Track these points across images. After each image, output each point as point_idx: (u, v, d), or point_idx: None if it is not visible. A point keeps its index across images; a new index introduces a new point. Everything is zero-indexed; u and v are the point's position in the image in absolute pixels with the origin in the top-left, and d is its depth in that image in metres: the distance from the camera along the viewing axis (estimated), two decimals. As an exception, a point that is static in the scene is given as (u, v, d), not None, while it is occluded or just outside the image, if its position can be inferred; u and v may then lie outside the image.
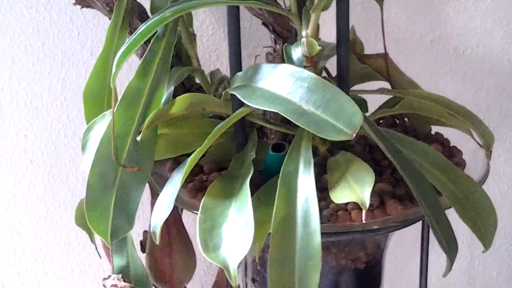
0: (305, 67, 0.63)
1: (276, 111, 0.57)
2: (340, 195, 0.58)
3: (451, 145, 0.79)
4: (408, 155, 0.64)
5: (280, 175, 0.61)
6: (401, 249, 1.21)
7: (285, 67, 0.61)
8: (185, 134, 0.72)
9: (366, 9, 1.08)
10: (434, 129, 0.83)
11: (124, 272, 0.78)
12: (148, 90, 0.68)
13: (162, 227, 0.61)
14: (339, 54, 0.65)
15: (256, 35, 1.03)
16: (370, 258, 0.75)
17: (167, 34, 0.69)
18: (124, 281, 0.72)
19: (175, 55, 0.78)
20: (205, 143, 0.63)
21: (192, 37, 0.74)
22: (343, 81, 0.66)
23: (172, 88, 0.71)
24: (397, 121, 0.85)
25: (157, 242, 0.63)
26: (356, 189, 0.58)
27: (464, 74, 1.15)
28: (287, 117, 0.56)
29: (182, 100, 0.69)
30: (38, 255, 1.12)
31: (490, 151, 0.73)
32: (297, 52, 0.62)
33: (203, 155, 0.77)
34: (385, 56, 0.76)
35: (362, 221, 0.61)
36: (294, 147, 0.63)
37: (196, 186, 0.70)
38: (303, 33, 0.61)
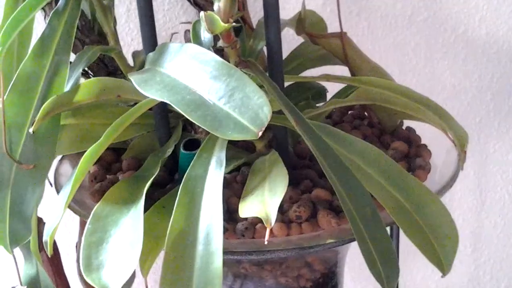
0: (218, 49, 0.54)
1: (168, 101, 0.48)
2: (246, 208, 0.49)
3: (421, 142, 0.69)
4: (344, 156, 0.54)
5: (183, 180, 0.52)
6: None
7: (190, 47, 0.52)
8: (95, 126, 0.63)
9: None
10: (410, 124, 0.73)
11: (33, 283, 0.70)
12: (47, 73, 0.60)
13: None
14: (267, 32, 0.56)
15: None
16: (318, 276, 0.66)
17: (69, 6, 0.61)
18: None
19: (98, 32, 0.69)
20: (101, 140, 0.54)
21: (107, 10, 0.64)
22: (273, 65, 0.57)
23: (80, 71, 0.62)
24: (366, 113, 0.75)
25: (49, 254, 0.55)
26: (267, 200, 0.48)
27: (464, 57, 1.03)
28: (179, 111, 0.47)
29: (90, 85, 0.60)
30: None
31: (464, 152, 0.63)
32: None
33: (124, 149, 0.68)
34: (341, 35, 0.66)
35: (283, 236, 0.52)
36: (207, 145, 0.54)
37: (103, 187, 0.62)
38: (215, 5, 0.52)
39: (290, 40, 0.82)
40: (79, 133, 0.63)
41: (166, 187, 0.62)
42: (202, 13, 0.48)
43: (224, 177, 0.62)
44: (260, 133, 0.45)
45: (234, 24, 0.51)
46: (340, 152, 0.55)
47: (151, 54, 0.57)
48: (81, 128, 0.63)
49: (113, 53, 0.65)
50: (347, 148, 0.55)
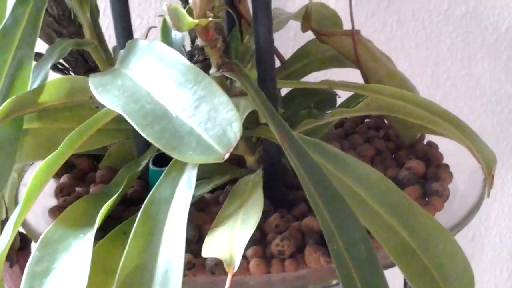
0: (198, 49, 0.47)
1: (121, 112, 0.41)
2: (210, 245, 0.43)
3: (442, 161, 0.61)
4: (339, 179, 0.46)
5: (144, 203, 0.45)
6: None
7: (156, 46, 0.45)
8: (64, 130, 0.57)
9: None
10: (432, 138, 0.65)
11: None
12: (8, 69, 0.54)
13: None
14: (256, 29, 0.48)
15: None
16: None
17: (36, -6, 0.54)
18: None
19: (80, 24, 0.63)
20: (59, 150, 0.48)
21: (83, -2, 0.58)
22: (262, 68, 0.49)
23: (49, 67, 0.56)
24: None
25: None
26: (236, 237, 0.41)
27: (507, 59, 0.94)
28: (132, 124, 0.40)
29: (58, 84, 0.54)
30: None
31: (491, 176, 0.55)
32: (179, 25, 0.46)
33: (102, 156, 0.62)
34: (352, 34, 0.58)
35: (267, 273, 0.45)
36: (177, 161, 0.47)
37: (67, 203, 0.55)
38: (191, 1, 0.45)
39: (297, 37, 0.74)
40: (45, 138, 0.57)
41: (139, 205, 0.55)
42: (164, 6, 0.41)
43: (202, 198, 0.55)
44: (227, 156, 0.38)
45: (210, 19, 0.44)
46: (334, 175, 0.47)
47: (122, 51, 0.51)
48: (48, 133, 0.57)
49: (89, 48, 0.59)
50: (343, 170, 0.47)
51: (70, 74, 0.65)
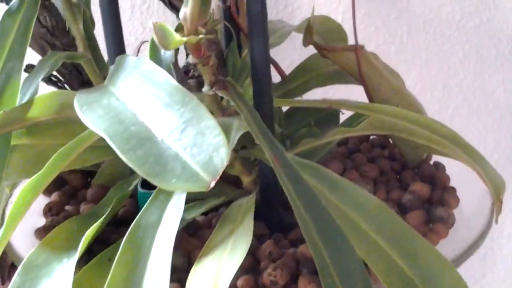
0: (191, 66, 0.45)
1: (103, 135, 0.39)
2: (196, 276, 0.40)
3: (449, 184, 0.58)
4: (334, 206, 0.44)
5: (130, 229, 0.43)
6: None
7: (144, 64, 0.43)
8: (53, 147, 0.55)
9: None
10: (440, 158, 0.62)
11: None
12: (-4, 83, 0.52)
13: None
14: (251, 47, 0.46)
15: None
16: None
17: (25, 6, 0.53)
18: None
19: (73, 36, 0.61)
20: (44, 170, 0.46)
21: (76, 9, 0.56)
22: (258, 87, 0.47)
23: (39, 81, 0.55)
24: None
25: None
26: (223, 267, 0.39)
27: (522, 73, 0.91)
28: (114, 148, 0.38)
29: (47, 99, 0.53)
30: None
31: (500, 202, 0.52)
32: (168, 42, 0.44)
33: (96, 172, 0.61)
34: (355, 49, 0.56)
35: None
36: (165, 185, 0.45)
37: (55, 223, 0.53)
38: (181, 11, 0.43)
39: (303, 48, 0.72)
40: (34, 155, 0.55)
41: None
42: (151, 23, 0.39)
43: (194, 221, 0.53)
44: (213, 184, 0.36)
45: (201, 36, 0.42)
46: (330, 201, 0.45)
47: (112, 67, 0.49)
48: (37, 150, 0.55)
49: (82, 61, 0.57)
50: (340, 196, 0.45)
51: (64, 86, 0.64)
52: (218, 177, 0.37)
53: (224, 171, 0.55)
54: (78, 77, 0.62)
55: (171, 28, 0.39)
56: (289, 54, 0.83)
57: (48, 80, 0.63)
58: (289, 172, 0.43)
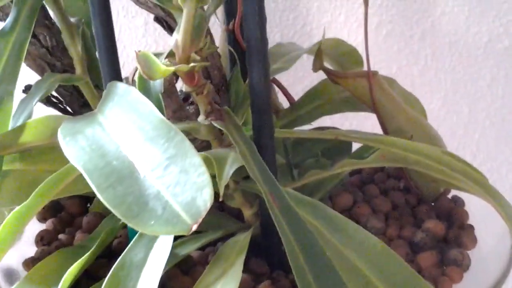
0: (185, 98, 0.43)
1: (81, 169, 0.37)
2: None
3: (467, 222, 0.55)
4: (335, 248, 0.41)
5: (113, 268, 0.41)
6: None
7: (131, 93, 0.41)
8: (48, 173, 0.53)
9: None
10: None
11: None
12: (-13, 106, 0.51)
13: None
14: (250, 75, 0.44)
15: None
16: None
17: (19, 26, 0.51)
18: None
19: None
20: (28, 202, 0.44)
21: (74, 30, 0.54)
22: (257, 117, 0.45)
23: (33, 104, 0.53)
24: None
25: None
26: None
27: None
28: (91, 185, 0.36)
29: (40, 124, 0.51)
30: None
31: (520, 242, 0.48)
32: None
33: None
34: (368, 75, 0.53)
35: None
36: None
37: (45, 253, 0.51)
38: (173, 37, 0.40)
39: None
40: (27, 181, 0.53)
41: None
42: (135, 52, 0.37)
43: (189, 258, 0.50)
44: (194, 227, 0.34)
45: (193, 65, 0.40)
46: (330, 242, 0.42)
47: (104, 93, 0.47)
48: (30, 176, 0.54)
49: (79, 84, 0.55)
50: (341, 237, 0.42)
51: (65, 108, 0.62)
52: (200, 220, 0.34)
53: (224, 203, 0.53)
54: (78, 99, 0.60)
55: (155, 58, 0.36)
56: (302, 78, 0.81)
57: (48, 101, 0.61)
58: (286, 211, 0.40)
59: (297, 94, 0.61)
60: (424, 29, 0.85)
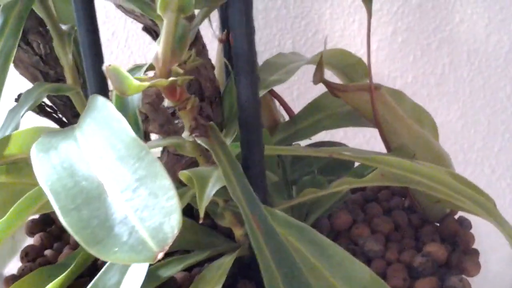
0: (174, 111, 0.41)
1: (46, 189, 0.35)
2: None
3: (472, 245, 0.52)
4: (321, 276, 0.39)
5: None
6: None
7: (107, 108, 0.39)
8: (31, 187, 0.52)
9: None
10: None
11: None
12: (-27, 117, 0.50)
13: None
14: (238, 91, 0.42)
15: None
16: None
17: (5, 35, 0.50)
18: None
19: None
20: (5, 218, 0.43)
21: (65, 38, 0.53)
22: (246, 135, 0.43)
23: (21, 114, 0.52)
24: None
25: None
26: None
27: None
28: (54, 208, 0.34)
29: (26, 136, 0.50)
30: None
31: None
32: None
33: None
34: (370, 89, 0.51)
35: None
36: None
37: (26, 271, 0.50)
38: (153, 51, 0.39)
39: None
40: (12, 195, 0.52)
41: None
42: (104, 66, 0.35)
43: (172, 280, 0.49)
44: (160, 255, 0.32)
45: (172, 79, 0.38)
46: (315, 269, 0.40)
47: (86, 106, 0.45)
48: (15, 189, 0.52)
49: (70, 94, 0.54)
50: (328, 265, 0.40)
51: (60, 117, 0.61)
52: (167, 248, 0.32)
53: (214, 222, 0.51)
54: (72, 108, 0.59)
55: (126, 73, 0.35)
56: (306, 90, 0.79)
57: (41, 111, 0.60)
58: (268, 234, 0.38)
59: (299, 108, 0.59)
60: (442, 37, 0.82)
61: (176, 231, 0.32)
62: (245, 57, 0.41)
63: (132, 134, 0.36)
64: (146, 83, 0.36)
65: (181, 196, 0.44)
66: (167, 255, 0.49)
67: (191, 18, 0.43)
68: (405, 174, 0.47)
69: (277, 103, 0.58)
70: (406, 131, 0.53)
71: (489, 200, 0.47)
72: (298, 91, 0.80)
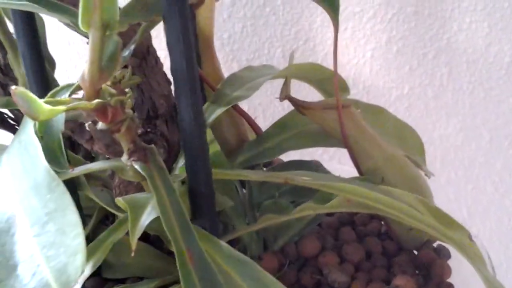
0: (110, 132, 0.39)
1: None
2: None
3: (447, 279, 0.48)
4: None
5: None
6: None
7: (25, 132, 0.37)
8: None
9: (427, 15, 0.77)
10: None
11: None
12: None
13: None
14: (180, 113, 0.39)
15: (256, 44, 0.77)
16: None
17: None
18: None
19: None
20: None
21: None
22: (190, 162, 0.40)
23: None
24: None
25: None
26: None
27: None
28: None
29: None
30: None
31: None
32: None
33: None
34: (337, 107, 0.47)
35: None
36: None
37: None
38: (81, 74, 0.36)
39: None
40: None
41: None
42: (11, 89, 0.32)
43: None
44: (62, 300, 0.29)
45: (98, 101, 0.35)
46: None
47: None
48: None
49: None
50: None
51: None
52: (70, 292, 0.29)
53: (168, 249, 0.48)
54: (32, 122, 0.56)
55: (35, 97, 0.32)
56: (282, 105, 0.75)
57: (2, 123, 0.57)
58: (202, 271, 0.35)
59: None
60: (439, 46, 0.78)
61: (80, 272, 0.30)
62: (184, 77, 0.38)
63: (44, 162, 0.34)
64: (61, 107, 0.33)
65: (126, 221, 0.42)
66: (119, 282, 0.46)
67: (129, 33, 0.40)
68: (368, 202, 0.43)
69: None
70: (377, 153, 0.50)
71: (463, 234, 0.44)
72: (274, 107, 0.77)
